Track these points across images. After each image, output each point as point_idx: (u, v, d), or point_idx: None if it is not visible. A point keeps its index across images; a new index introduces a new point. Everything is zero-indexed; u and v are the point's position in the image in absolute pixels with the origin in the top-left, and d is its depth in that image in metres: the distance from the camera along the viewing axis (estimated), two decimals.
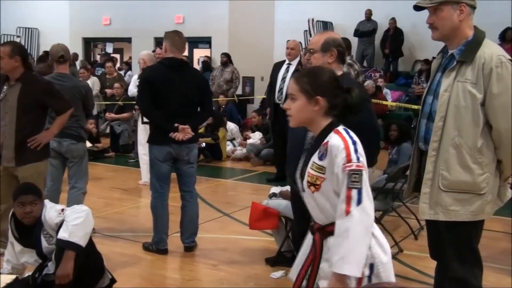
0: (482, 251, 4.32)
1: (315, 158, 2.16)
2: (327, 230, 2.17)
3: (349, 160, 2.05)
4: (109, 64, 10.85)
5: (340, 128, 2.16)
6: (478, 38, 2.58)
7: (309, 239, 2.33)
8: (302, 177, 2.23)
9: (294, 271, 2.36)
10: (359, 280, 2.08)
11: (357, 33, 12.14)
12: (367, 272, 2.10)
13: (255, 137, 9.18)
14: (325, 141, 2.14)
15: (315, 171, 2.14)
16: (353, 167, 2.04)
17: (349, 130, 2.17)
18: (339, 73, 3.07)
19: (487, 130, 2.56)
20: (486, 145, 2.56)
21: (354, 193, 2.03)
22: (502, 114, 2.51)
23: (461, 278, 2.68)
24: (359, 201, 2.02)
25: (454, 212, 2.59)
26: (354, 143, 2.09)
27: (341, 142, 2.09)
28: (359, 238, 2.03)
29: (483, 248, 4.68)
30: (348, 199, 2.03)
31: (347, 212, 2.02)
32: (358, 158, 2.06)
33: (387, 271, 2.12)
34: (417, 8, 2.65)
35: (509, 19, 10.43)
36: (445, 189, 2.59)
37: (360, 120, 2.94)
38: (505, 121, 2.51)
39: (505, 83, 2.49)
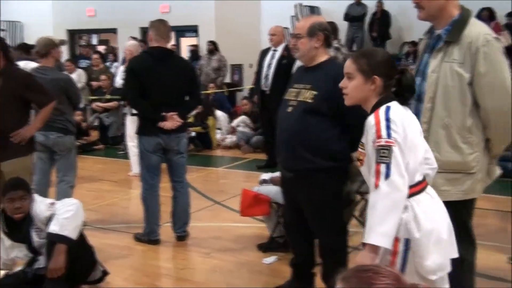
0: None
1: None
2: None
3: (378, 136, 2.11)
4: (95, 56, 10.73)
5: (383, 107, 2.19)
6: (464, 17, 2.56)
7: None
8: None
9: None
10: (393, 254, 2.14)
11: (347, 17, 12.09)
12: (401, 247, 2.15)
13: (236, 122, 9.16)
14: None
15: (360, 148, 2.26)
16: (382, 143, 2.10)
17: (394, 108, 2.19)
18: (325, 57, 3.06)
19: (475, 109, 2.55)
20: (475, 124, 2.56)
21: (382, 167, 2.09)
22: (489, 93, 2.50)
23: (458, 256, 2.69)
24: (387, 175, 2.08)
25: (446, 192, 2.59)
26: (387, 119, 2.13)
27: (373, 118, 2.16)
28: (385, 210, 2.08)
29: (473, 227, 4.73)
30: (377, 173, 2.10)
31: (376, 186, 2.10)
32: (389, 134, 2.11)
33: (418, 247, 2.13)
34: None
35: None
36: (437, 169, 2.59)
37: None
38: (492, 100, 2.51)
39: (492, 62, 2.48)
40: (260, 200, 4.20)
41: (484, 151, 2.63)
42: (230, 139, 9.06)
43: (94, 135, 9.52)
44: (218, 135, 9.25)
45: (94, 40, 14.92)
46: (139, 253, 4.30)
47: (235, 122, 9.28)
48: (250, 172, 7.10)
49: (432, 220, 2.16)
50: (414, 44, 10.83)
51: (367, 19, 12.18)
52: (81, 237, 3.42)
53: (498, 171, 2.78)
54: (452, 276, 2.62)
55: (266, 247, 4.22)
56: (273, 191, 4.15)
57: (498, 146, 2.66)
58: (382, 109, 2.18)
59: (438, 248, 2.15)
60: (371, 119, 2.17)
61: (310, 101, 2.93)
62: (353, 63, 2.28)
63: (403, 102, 2.27)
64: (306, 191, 3.02)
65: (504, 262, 3.90)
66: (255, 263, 4.02)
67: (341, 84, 2.33)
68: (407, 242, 2.14)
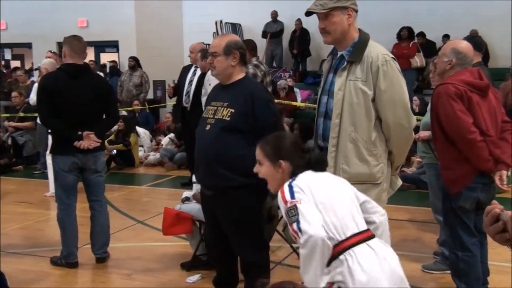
0: None
1: None
2: None
3: (285, 202, 2.19)
4: (20, 72, 10.29)
5: (287, 183, 2.26)
6: (363, 39, 2.77)
7: None
8: None
9: None
10: None
11: (265, 34, 12.35)
12: None
13: (165, 141, 9.09)
14: None
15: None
16: (288, 205, 2.18)
17: (299, 177, 2.25)
18: (241, 75, 3.11)
19: (378, 123, 2.74)
20: (379, 137, 2.75)
21: (295, 225, 2.15)
22: (390, 108, 2.70)
23: None
24: (299, 230, 2.13)
25: None
26: (290, 186, 2.22)
27: (280, 194, 2.23)
28: (307, 258, 2.13)
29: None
30: (294, 232, 2.16)
31: (299, 241, 2.15)
32: (292, 195, 2.19)
33: None
34: (308, 14, 2.76)
35: (404, 18, 11.07)
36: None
37: (262, 119, 3.02)
38: (393, 114, 2.71)
39: (391, 79, 2.69)
40: (182, 218, 4.17)
41: (388, 162, 2.82)
42: (153, 156, 8.92)
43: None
44: (140, 153, 9.09)
45: (8, 55, 14.24)
46: (56, 278, 4.11)
47: (164, 141, 9.16)
48: (174, 190, 7.02)
49: (368, 272, 2.14)
50: None
51: (288, 36, 12.49)
52: None
53: (399, 182, 2.98)
54: None
55: (189, 266, 4.18)
56: (196, 209, 4.12)
57: (399, 158, 2.88)
58: (286, 183, 2.27)
59: None
60: (279, 198, 2.24)
61: (227, 118, 2.96)
62: (260, 150, 2.41)
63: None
64: (225, 208, 3.03)
65: (419, 270, 4.07)
66: (178, 283, 3.97)
67: (254, 170, 2.44)
68: None
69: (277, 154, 2.36)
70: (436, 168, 3.63)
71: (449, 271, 3.53)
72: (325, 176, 2.35)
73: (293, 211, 2.16)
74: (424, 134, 3.83)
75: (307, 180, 2.25)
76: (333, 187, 2.29)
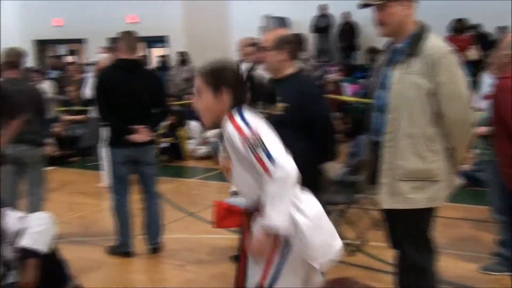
0: (440, 238, 4.44)
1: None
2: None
3: (244, 137, 2.07)
4: (71, 67, 10.66)
5: (235, 112, 2.15)
6: (422, 32, 2.67)
7: None
8: None
9: None
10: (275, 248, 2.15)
11: (313, 28, 12.27)
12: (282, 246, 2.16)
13: (211, 134, 9.17)
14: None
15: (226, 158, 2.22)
16: (249, 137, 2.07)
17: (244, 110, 2.16)
18: (291, 69, 3.12)
19: (437, 118, 2.64)
20: (437, 133, 2.65)
21: (263, 155, 2.04)
22: (450, 102, 2.60)
23: (418, 265, 2.76)
24: (270, 157, 2.03)
25: (412, 200, 2.66)
26: (243, 119, 2.11)
27: (232, 126, 2.11)
28: (280, 193, 2.06)
29: (440, 235, 4.82)
30: (261, 162, 2.04)
31: (267, 173, 2.04)
32: (249, 127, 2.08)
33: (308, 233, 2.13)
34: (364, 6, 2.71)
35: (453, 11, 10.76)
36: (402, 178, 2.65)
37: (314, 114, 3.01)
38: (453, 108, 2.61)
39: (451, 72, 2.59)
40: (233, 211, 4.18)
41: (446, 159, 2.71)
42: (203, 149, 9.04)
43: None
44: (191, 146, 9.22)
45: (62, 51, 14.76)
46: (112, 266, 4.26)
47: (209, 134, 9.26)
48: (223, 183, 7.06)
49: (313, 207, 2.19)
50: None
51: (336, 30, 12.37)
52: (53, 251, 3.37)
53: (458, 180, 2.86)
54: (413, 285, 2.68)
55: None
56: (243, 203, 4.14)
57: (459, 154, 2.75)
58: (235, 114, 2.14)
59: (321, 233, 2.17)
60: (230, 128, 2.12)
61: (280, 113, 2.97)
62: (200, 77, 2.24)
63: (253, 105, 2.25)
64: None
65: (474, 270, 3.95)
66: (230, 275, 3.99)
67: (193, 103, 2.28)
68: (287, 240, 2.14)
69: (219, 82, 2.18)
70: (495, 166, 3.52)
71: (508, 273, 3.42)
72: (262, 120, 2.20)
73: (257, 142, 2.05)
74: (483, 129, 3.73)
75: (252, 118, 2.14)
76: (269, 131, 2.18)
